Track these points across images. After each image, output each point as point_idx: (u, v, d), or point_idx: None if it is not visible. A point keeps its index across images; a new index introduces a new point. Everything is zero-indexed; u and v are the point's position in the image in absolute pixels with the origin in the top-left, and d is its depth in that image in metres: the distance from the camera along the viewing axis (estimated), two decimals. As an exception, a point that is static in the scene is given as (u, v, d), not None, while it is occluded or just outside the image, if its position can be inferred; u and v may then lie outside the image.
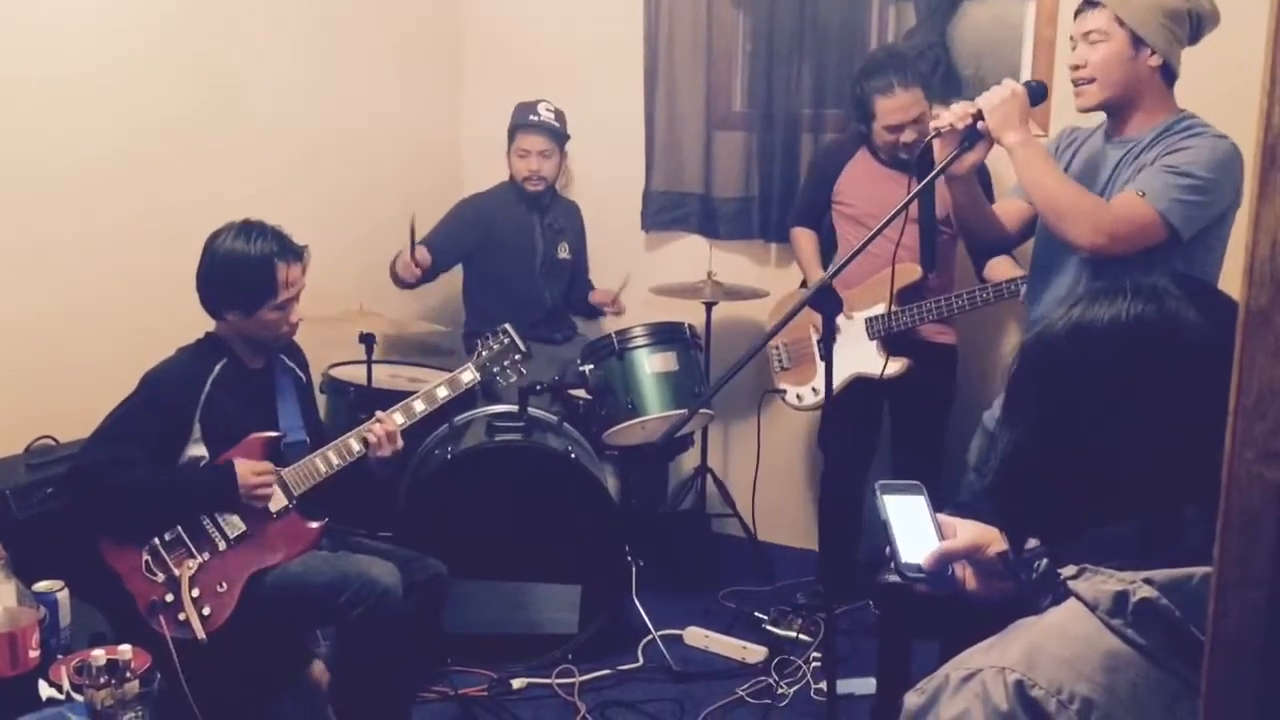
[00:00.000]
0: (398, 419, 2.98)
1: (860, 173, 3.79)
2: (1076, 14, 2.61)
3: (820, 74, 4.21)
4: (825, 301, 2.50)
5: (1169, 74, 2.55)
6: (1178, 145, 2.48)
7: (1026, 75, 3.95)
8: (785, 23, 4.22)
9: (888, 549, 1.49)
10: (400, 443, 2.98)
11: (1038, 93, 2.56)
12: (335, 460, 2.90)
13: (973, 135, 2.53)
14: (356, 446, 2.91)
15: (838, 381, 3.62)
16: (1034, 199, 2.58)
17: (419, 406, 3.03)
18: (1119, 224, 2.45)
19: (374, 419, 2.97)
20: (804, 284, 3.96)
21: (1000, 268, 3.54)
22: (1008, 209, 2.86)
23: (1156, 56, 2.50)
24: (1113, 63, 2.51)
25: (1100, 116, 2.72)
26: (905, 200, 2.41)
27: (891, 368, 3.59)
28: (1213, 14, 2.52)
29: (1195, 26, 2.52)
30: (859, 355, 3.60)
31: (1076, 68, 2.56)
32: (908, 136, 3.61)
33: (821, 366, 3.69)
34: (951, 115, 2.53)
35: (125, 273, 3.38)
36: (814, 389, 3.78)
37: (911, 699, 1.07)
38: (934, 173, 2.54)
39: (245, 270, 2.79)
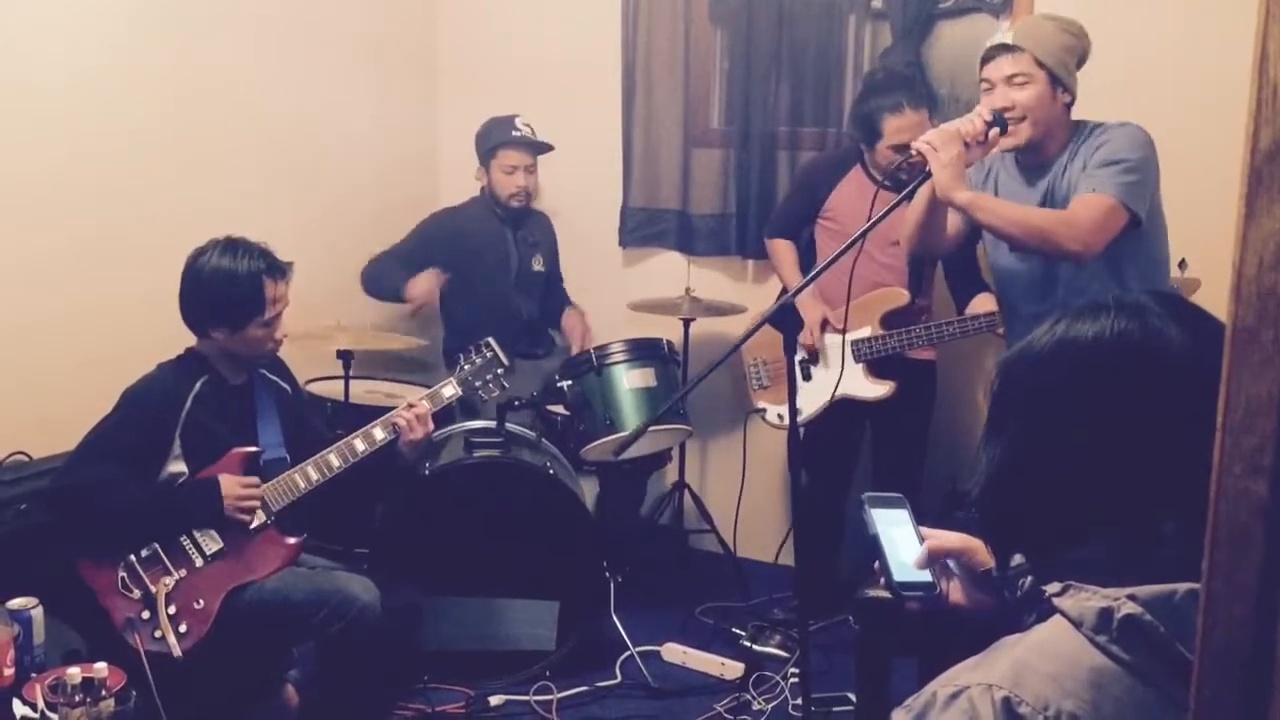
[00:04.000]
0: (378, 435, 2.96)
1: (853, 191, 3.75)
2: (988, 59, 2.71)
3: (797, 92, 4.24)
4: (785, 320, 2.52)
5: (1071, 104, 2.73)
6: (1097, 144, 2.65)
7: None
8: (762, 41, 4.24)
9: (877, 564, 1.49)
10: (431, 425, 3.02)
11: (1004, 125, 2.65)
12: (314, 476, 2.89)
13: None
14: (336, 462, 2.90)
15: (822, 403, 3.64)
16: (1011, 236, 2.68)
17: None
18: (1092, 222, 2.58)
19: (405, 404, 3.00)
20: (782, 296, 3.97)
21: (982, 303, 3.58)
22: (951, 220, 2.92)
23: (1067, 94, 2.68)
24: (1040, 102, 2.65)
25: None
26: (872, 221, 2.46)
27: (877, 390, 3.60)
28: (1090, 46, 2.73)
29: (1082, 58, 2.72)
30: (844, 377, 3.60)
31: (1006, 110, 2.66)
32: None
33: (805, 386, 3.71)
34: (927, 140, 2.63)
35: (99, 286, 3.36)
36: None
37: (899, 716, 1.08)
38: (904, 192, 2.61)
39: (233, 288, 2.78)
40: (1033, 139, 2.69)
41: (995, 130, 2.63)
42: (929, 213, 2.76)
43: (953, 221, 2.86)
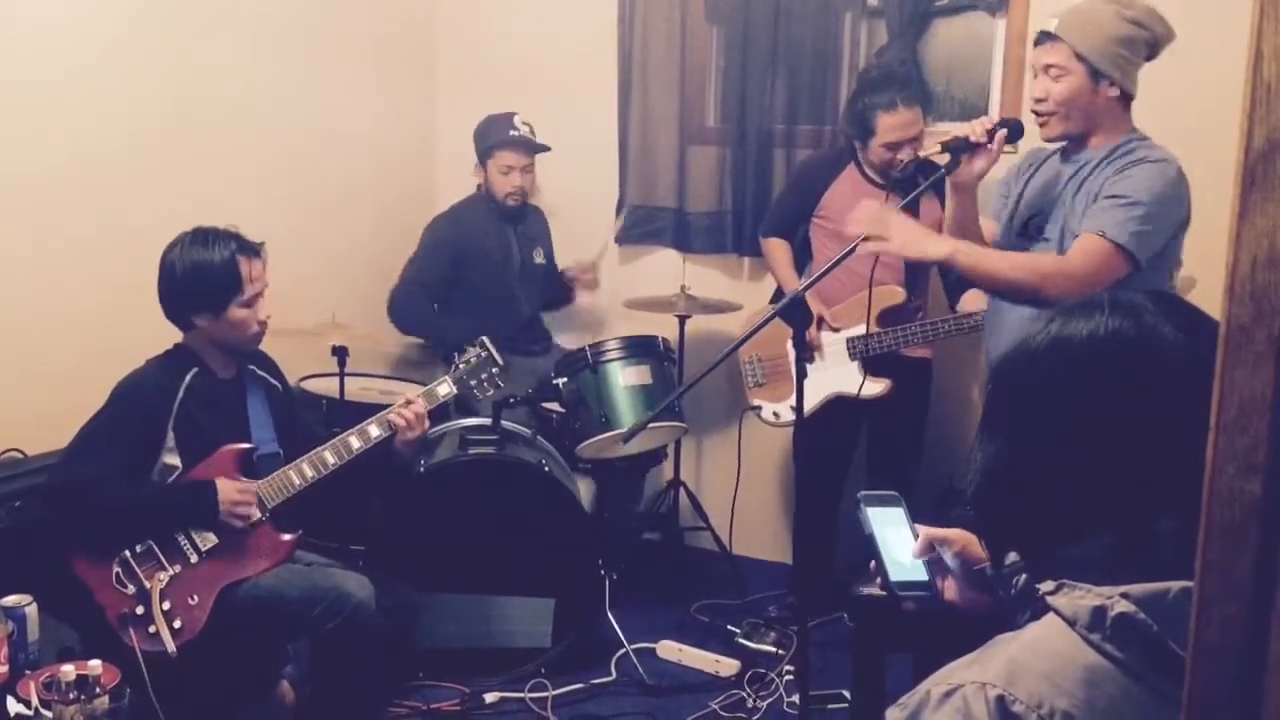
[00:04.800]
0: (373, 432, 2.96)
1: (848, 189, 3.75)
2: (1036, 43, 2.62)
3: (793, 90, 4.23)
4: (796, 314, 2.52)
5: (1126, 98, 2.60)
6: (1121, 174, 2.52)
7: (997, 93, 4.01)
8: (759, 39, 4.24)
9: (873, 563, 1.49)
10: (427, 423, 3.03)
11: (1016, 131, 2.61)
12: (310, 473, 2.88)
13: (962, 149, 2.60)
14: (332, 459, 2.90)
15: (818, 400, 3.64)
16: (996, 291, 2.63)
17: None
18: (1086, 269, 2.48)
19: (400, 401, 3.00)
20: (777, 296, 3.96)
21: (973, 299, 3.58)
22: (987, 229, 2.89)
23: (1115, 87, 2.54)
24: (1075, 97, 2.55)
25: None
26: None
27: (873, 388, 3.60)
28: (1167, 34, 2.56)
29: (1151, 47, 2.56)
30: (839, 375, 3.61)
31: (1039, 100, 2.59)
32: (905, 155, 3.57)
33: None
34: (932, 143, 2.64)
35: (92, 283, 3.35)
36: (792, 406, 3.78)
37: (893, 714, 1.08)
38: (916, 191, 2.61)
39: (209, 274, 2.79)
40: (1068, 132, 2.61)
41: (1002, 133, 2.57)
42: (959, 225, 2.73)
43: (990, 231, 2.83)
